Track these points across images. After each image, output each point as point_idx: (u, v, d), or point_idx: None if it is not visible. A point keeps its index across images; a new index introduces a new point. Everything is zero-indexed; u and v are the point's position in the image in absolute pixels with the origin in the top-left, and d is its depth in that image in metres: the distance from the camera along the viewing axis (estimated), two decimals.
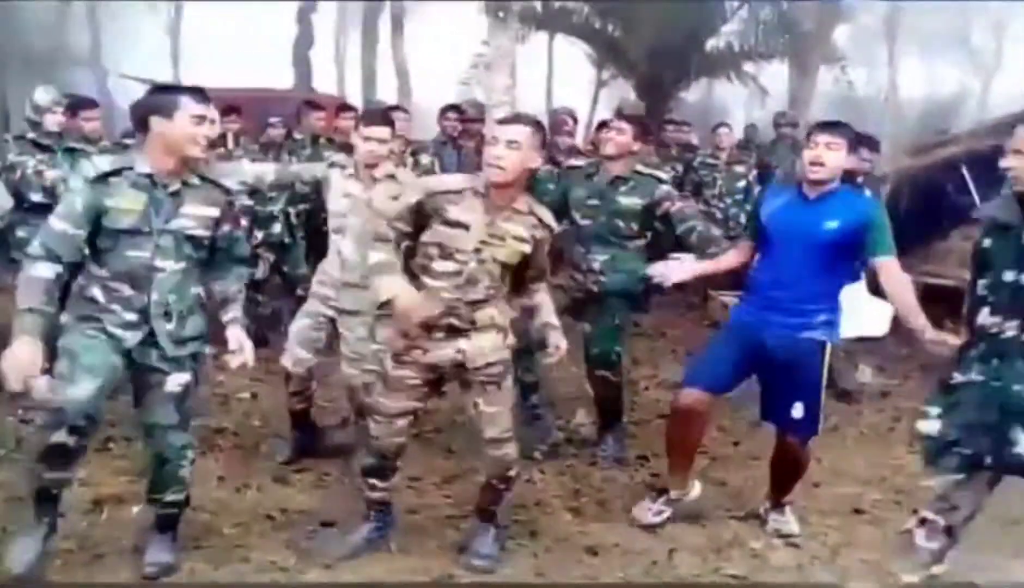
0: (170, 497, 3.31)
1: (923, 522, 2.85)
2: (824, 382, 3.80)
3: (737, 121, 12.25)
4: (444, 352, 3.32)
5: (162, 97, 3.11)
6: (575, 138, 8.22)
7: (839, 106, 12.64)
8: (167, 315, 3.12)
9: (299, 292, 6.06)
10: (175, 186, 3.11)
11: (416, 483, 4.28)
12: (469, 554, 3.54)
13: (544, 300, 3.57)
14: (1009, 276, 2.64)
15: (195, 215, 3.15)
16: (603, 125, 5.57)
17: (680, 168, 8.47)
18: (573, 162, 5.19)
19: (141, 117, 3.11)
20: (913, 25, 21.40)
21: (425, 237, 3.29)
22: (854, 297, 5.69)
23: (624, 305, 4.71)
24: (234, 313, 3.30)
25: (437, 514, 3.87)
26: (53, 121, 5.34)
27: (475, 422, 3.42)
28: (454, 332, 3.31)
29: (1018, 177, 2.66)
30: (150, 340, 3.12)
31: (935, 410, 2.82)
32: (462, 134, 7.50)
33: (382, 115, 4.45)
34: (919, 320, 3.25)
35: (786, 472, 3.97)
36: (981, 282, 2.75)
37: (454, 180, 3.35)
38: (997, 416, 2.68)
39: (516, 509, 4.02)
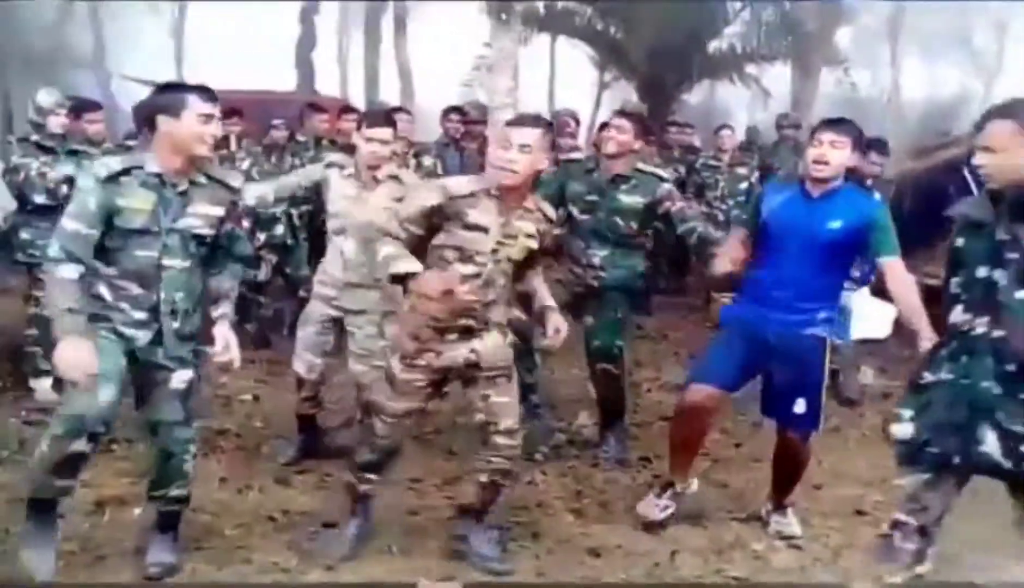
0: (174, 492, 3.33)
1: (896, 524, 2.85)
2: (825, 378, 3.81)
3: (739, 123, 12.23)
4: (458, 353, 3.34)
5: (169, 96, 3.12)
6: (577, 140, 8.23)
7: (841, 108, 12.55)
8: (173, 313, 3.14)
9: (301, 293, 6.07)
10: (183, 185, 3.13)
11: (417, 484, 4.28)
12: (472, 556, 3.54)
13: (539, 284, 3.58)
14: (982, 272, 2.63)
15: (202, 214, 3.17)
16: (605, 127, 5.57)
17: (682, 170, 8.48)
18: (571, 155, 5.16)
19: (148, 116, 3.13)
20: (915, 26, 21.40)
21: (439, 241, 3.27)
22: (855, 299, 5.71)
23: (624, 299, 4.70)
24: (224, 310, 3.30)
25: (438, 515, 3.88)
26: (56, 123, 5.34)
27: (487, 414, 3.41)
28: (467, 333, 3.33)
29: (990, 174, 2.65)
30: (156, 338, 3.14)
31: (907, 412, 2.81)
32: (464, 136, 7.51)
33: (385, 116, 4.45)
34: (921, 322, 3.24)
35: (788, 469, 3.97)
36: (954, 280, 2.74)
37: (468, 183, 3.33)
38: (965, 414, 2.66)
39: (518, 510, 4.03)
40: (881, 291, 3.86)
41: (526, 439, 3.68)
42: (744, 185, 8.29)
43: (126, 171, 3.05)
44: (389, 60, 19.14)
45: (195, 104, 3.06)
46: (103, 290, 3.08)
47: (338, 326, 4.42)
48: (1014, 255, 2.56)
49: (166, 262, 3.11)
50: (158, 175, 3.08)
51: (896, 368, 6.57)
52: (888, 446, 5.15)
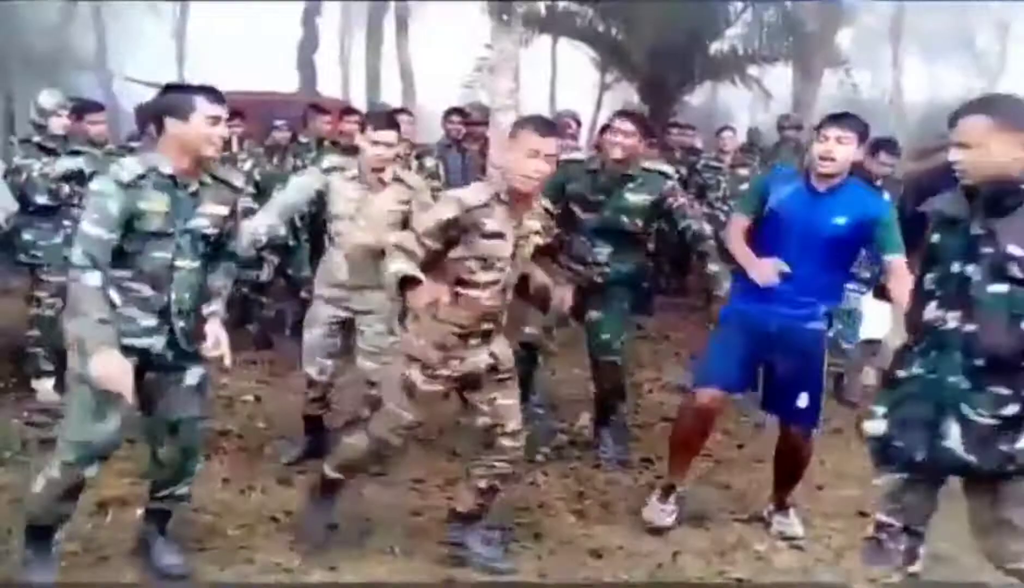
0: (182, 489, 3.36)
1: (880, 526, 2.84)
2: (826, 371, 3.81)
3: (741, 124, 12.24)
4: (480, 358, 3.36)
5: (177, 98, 3.11)
6: (578, 141, 8.23)
7: (843, 109, 12.61)
8: (179, 312, 3.16)
9: (303, 294, 6.08)
10: (194, 186, 3.15)
11: (419, 485, 4.29)
12: (473, 557, 3.55)
13: (534, 267, 3.58)
14: (956, 267, 2.62)
15: (210, 214, 3.19)
16: (606, 129, 5.57)
17: (684, 171, 8.47)
18: (572, 155, 5.17)
19: (155, 118, 3.13)
20: (917, 28, 21.42)
21: (459, 254, 3.25)
22: (865, 302, 5.72)
23: (628, 294, 4.74)
24: (215, 307, 3.30)
25: (440, 516, 3.87)
26: (58, 124, 5.35)
27: (492, 417, 3.41)
28: (487, 337, 3.36)
29: (964, 170, 2.65)
30: (171, 340, 3.15)
31: (880, 409, 2.80)
32: (466, 137, 7.51)
33: (389, 119, 4.45)
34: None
35: (789, 467, 3.97)
36: (929, 277, 2.72)
37: (479, 192, 3.30)
38: (932, 410, 2.65)
39: (520, 511, 4.04)
40: (882, 291, 3.85)
41: (527, 440, 3.68)
42: (745, 186, 8.27)
43: (144, 174, 3.04)
44: (391, 61, 19.15)
45: (203, 106, 3.06)
46: (113, 294, 3.06)
47: (344, 327, 4.43)
48: (988, 249, 2.56)
49: (178, 263, 3.12)
50: (171, 177, 3.08)
51: None
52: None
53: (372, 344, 4.34)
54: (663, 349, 7.27)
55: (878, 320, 5.57)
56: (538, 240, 3.44)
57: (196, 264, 3.18)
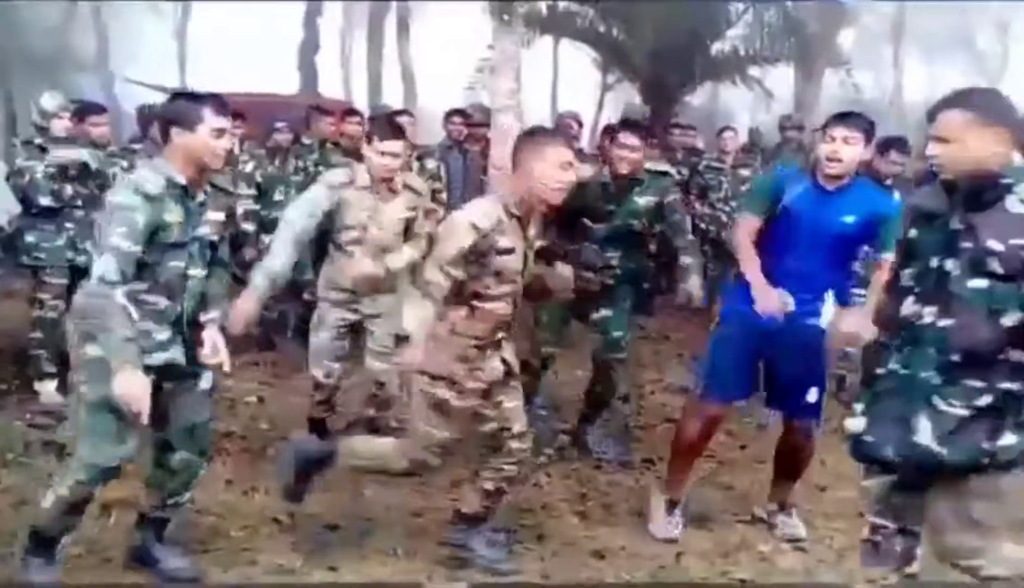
0: (187, 493, 3.38)
1: (875, 528, 2.83)
2: (827, 367, 3.81)
3: (742, 125, 12.23)
4: (497, 365, 3.39)
5: (183, 107, 3.09)
6: (580, 142, 8.24)
7: (845, 109, 12.61)
8: (188, 321, 3.17)
9: (306, 296, 6.08)
10: (201, 195, 3.16)
11: (421, 486, 4.29)
12: (476, 557, 3.55)
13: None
14: (934, 262, 2.62)
15: (213, 221, 3.21)
16: (608, 130, 5.59)
17: (686, 172, 8.47)
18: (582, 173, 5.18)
19: (161, 126, 3.13)
20: (918, 28, 21.42)
21: (475, 271, 3.26)
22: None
23: (632, 292, 4.82)
24: (214, 314, 3.30)
25: (442, 517, 3.88)
26: (60, 126, 5.35)
27: (499, 421, 3.43)
28: (498, 345, 3.39)
29: (942, 164, 2.64)
30: (188, 349, 3.17)
31: (860, 406, 2.80)
32: (467, 138, 7.51)
33: (395, 128, 4.42)
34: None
35: (791, 465, 3.99)
36: (907, 272, 2.72)
37: (489, 211, 3.28)
38: (904, 405, 2.64)
39: (523, 513, 4.04)
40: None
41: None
42: (747, 187, 8.28)
43: (167, 185, 3.03)
44: (392, 62, 19.19)
45: (210, 118, 3.04)
46: (131, 308, 3.02)
47: (352, 329, 4.44)
48: (968, 244, 2.55)
49: (191, 272, 3.13)
50: (184, 187, 3.08)
51: None
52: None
53: (382, 344, 4.34)
54: (664, 350, 7.28)
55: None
56: (540, 242, 3.48)
57: (204, 272, 3.19)
